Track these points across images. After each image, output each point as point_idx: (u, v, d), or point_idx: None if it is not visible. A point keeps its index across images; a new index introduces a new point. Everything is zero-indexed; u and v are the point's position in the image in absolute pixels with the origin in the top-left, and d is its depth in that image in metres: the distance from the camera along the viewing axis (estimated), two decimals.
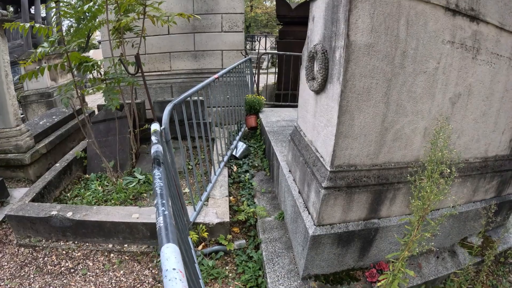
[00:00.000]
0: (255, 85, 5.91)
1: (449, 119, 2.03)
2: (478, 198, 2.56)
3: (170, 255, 0.91)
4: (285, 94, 6.37)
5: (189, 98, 2.67)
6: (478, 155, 2.42)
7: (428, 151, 1.70)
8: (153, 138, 1.82)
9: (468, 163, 2.35)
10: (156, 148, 1.67)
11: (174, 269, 0.85)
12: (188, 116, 2.75)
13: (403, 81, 1.77)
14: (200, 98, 3.10)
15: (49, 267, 2.62)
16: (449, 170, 1.58)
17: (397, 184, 1.97)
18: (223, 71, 3.77)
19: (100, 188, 3.55)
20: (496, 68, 2.04)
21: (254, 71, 5.98)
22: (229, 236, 2.75)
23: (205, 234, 2.65)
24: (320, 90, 1.96)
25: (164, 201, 1.22)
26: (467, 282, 2.46)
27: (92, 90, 4.90)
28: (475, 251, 2.54)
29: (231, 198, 3.23)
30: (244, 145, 4.09)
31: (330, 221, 2.00)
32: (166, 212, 1.14)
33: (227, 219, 2.74)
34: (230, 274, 2.49)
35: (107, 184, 3.63)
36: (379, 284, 1.92)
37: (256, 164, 3.95)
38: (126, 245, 2.79)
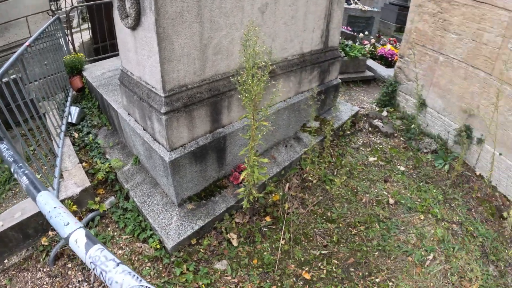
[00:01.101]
0: (70, 45, 6.20)
1: (261, 27, 3.01)
2: (305, 89, 3.83)
3: (47, 199, 1.11)
4: (103, 46, 6.87)
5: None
6: (295, 53, 3.58)
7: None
8: None
9: (287, 60, 3.49)
10: None
11: (55, 207, 1.04)
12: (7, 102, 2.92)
13: None
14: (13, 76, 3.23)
15: None
16: (263, 63, 2.50)
17: (228, 92, 2.91)
18: (31, 38, 3.91)
19: None
20: None
21: (66, 31, 6.23)
22: (97, 199, 3.31)
23: (75, 207, 3.13)
24: (136, 25, 2.58)
25: (20, 164, 1.56)
26: (316, 157, 3.84)
27: None
28: (315, 133, 3.92)
29: (83, 164, 3.70)
30: (78, 109, 4.50)
31: (180, 143, 2.84)
32: (26, 171, 1.47)
33: (88, 183, 3.25)
34: (115, 233, 3.11)
35: None
36: (241, 178, 2.97)
37: (96, 123, 4.45)
38: (6, 260, 2.97)
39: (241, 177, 2.98)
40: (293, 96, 3.72)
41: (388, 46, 8.10)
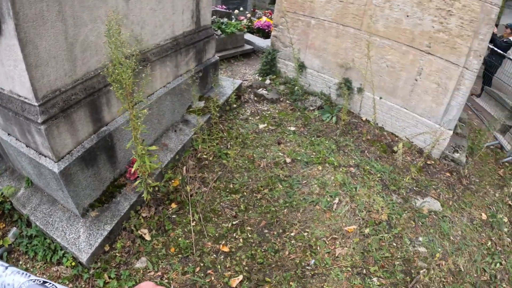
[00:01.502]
0: None
1: (127, 15, 3.23)
2: (183, 71, 4.16)
3: None
4: None
5: None
6: (167, 37, 3.87)
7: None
8: None
9: (160, 46, 3.76)
10: None
11: None
12: None
13: None
14: None
15: None
16: (129, 52, 2.75)
17: (104, 88, 3.10)
18: None
19: None
20: None
21: None
22: None
23: None
24: None
25: None
26: (207, 135, 4.20)
27: None
28: (201, 112, 4.31)
29: None
30: None
31: (66, 150, 2.95)
32: None
33: None
34: (28, 264, 3.13)
35: None
36: (133, 171, 3.22)
37: None
38: None
39: (133, 170, 3.23)
40: (173, 80, 4.02)
41: (264, 19, 8.85)
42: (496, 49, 8.63)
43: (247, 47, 7.63)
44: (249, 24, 8.62)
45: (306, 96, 5.39)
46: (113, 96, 3.21)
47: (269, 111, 5.08)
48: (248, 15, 9.15)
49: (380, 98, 4.97)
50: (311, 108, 5.14)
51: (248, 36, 8.04)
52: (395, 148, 4.50)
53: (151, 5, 3.45)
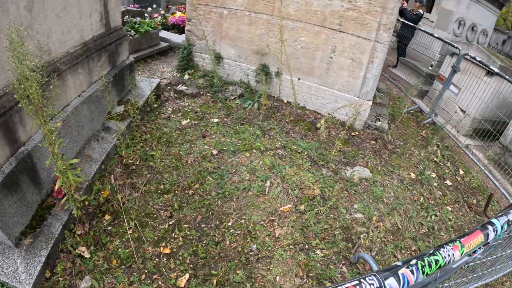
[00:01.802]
0: None
1: (32, 25, 3.18)
2: (97, 77, 4.17)
3: None
4: None
5: None
6: (76, 43, 3.86)
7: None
8: None
9: (70, 54, 3.74)
10: None
11: None
12: None
13: None
14: None
15: None
16: (34, 63, 2.72)
17: (15, 106, 3.07)
18: None
19: None
20: None
21: None
22: None
23: None
24: None
25: None
26: (131, 140, 4.24)
27: None
28: (121, 117, 4.33)
29: None
30: None
31: None
32: None
33: None
34: None
35: None
36: (56, 186, 3.19)
37: None
38: None
39: (57, 187, 3.22)
40: (88, 88, 4.02)
41: (178, 14, 8.89)
42: (407, 22, 9.31)
43: (163, 44, 7.66)
44: (164, 21, 8.62)
45: (226, 86, 5.58)
46: (25, 113, 3.17)
47: (191, 106, 5.21)
48: (162, 12, 9.15)
49: (299, 79, 5.27)
50: (232, 97, 5.34)
51: (163, 34, 8.06)
52: (318, 125, 4.80)
53: (56, 11, 3.44)
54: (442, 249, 1.29)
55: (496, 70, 6.27)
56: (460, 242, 1.38)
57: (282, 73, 5.35)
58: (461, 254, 1.37)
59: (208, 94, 5.50)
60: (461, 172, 5.70)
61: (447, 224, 4.41)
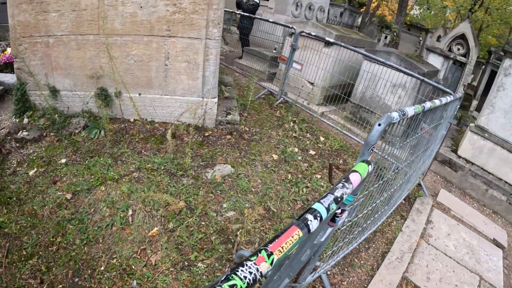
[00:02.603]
0: None
1: None
2: None
3: None
4: None
5: None
6: None
7: None
8: None
9: None
10: None
11: None
12: None
13: None
14: None
15: None
16: None
17: None
18: None
19: None
20: None
21: None
22: None
23: None
24: None
25: None
26: None
27: None
28: None
29: None
30: None
31: None
32: None
33: None
34: None
35: None
36: None
37: None
38: None
39: None
40: None
41: (9, 50, 7.85)
42: (245, 13, 9.60)
43: None
44: None
45: (69, 120, 5.17)
46: None
47: (36, 152, 4.74)
48: None
49: (140, 94, 5.09)
50: (77, 131, 4.97)
51: None
52: (167, 136, 4.64)
53: None
54: (240, 269, 1.17)
55: (331, 40, 6.72)
56: (267, 251, 1.29)
57: (122, 93, 5.09)
58: (271, 263, 1.27)
59: (51, 134, 5.02)
60: (322, 139, 6.02)
61: (320, 191, 4.61)
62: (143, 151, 4.66)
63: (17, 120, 5.53)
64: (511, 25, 31.18)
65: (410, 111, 2.77)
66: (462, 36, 14.69)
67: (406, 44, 28.72)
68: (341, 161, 5.50)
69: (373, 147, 2.26)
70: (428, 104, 3.32)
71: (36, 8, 4.86)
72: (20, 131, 5.10)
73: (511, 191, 6.60)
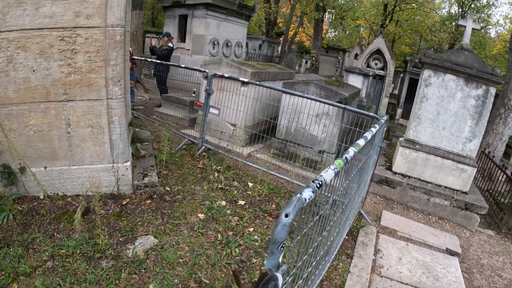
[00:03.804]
0: None
1: None
2: None
3: None
4: None
5: None
6: None
7: None
8: None
9: None
10: None
11: None
12: None
13: None
14: None
15: None
16: None
17: None
18: None
19: None
20: None
21: None
22: None
23: None
24: None
25: None
26: None
27: None
28: None
29: None
30: None
31: None
32: None
33: None
34: None
35: None
36: None
37: None
38: None
39: None
40: None
41: None
42: (159, 61, 9.19)
43: None
44: None
45: None
46: None
47: None
48: None
49: (45, 167, 4.50)
50: None
51: None
52: (76, 216, 4.06)
53: None
54: None
55: (246, 80, 6.51)
56: None
57: (25, 168, 4.46)
58: None
59: None
60: (250, 185, 5.68)
61: (255, 247, 4.23)
62: (55, 233, 4.00)
63: None
64: (421, 33, 33.69)
65: (329, 175, 2.43)
66: (378, 51, 15.39)
67: (326, 66, 29.81)
68: (273, 206, 5.19)
69: (283, 244, 1.90)
70: (351, 153, 3.03)
71: None
72: None
73: (452, 194, 6.65)
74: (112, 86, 4.34)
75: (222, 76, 6.64)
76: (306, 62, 28.81)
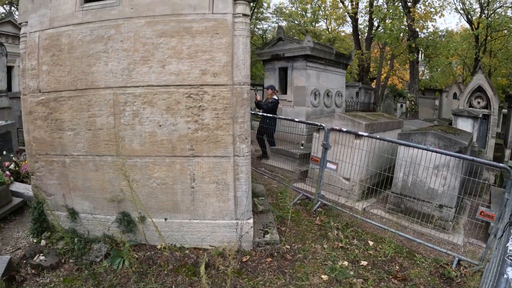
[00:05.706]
0: None
1: None
2: None
3: None
4: None
5: None
6: None
7: None
8: None
9: None
10: None
11: None
12: None
13: None
14: None
15: None
16: None
17: None
18: None
19: None
20: None
21: None
22: None
23: None
24: None
25: None
26: None
27: None
28: None
29: None
30: None
31: None
32: None
33: None
34: None
35: None
36: None
37: None
38: None
39: None
40: None
41: None
42: (266, 114, 9.10)
43: (17, 200, 6.12)
44: (17, 169, 7.08)
45: (89, 246, 4.58)
46: None
47: (53, 282, 4.09)
48: (14, 159, 7.56)
49: (166, 219, 4.59)
50: (98, 259, 4.36)
51: (16, 186, 6.41)
52: (200, 270, 4.01)
53: None
54: None
55: (365, 134, 6.31)
56: None
57: (145, 218, 4.58)
58: None
59: (71, 260, 4.40)
60: (371, 243, 5.33)
61: None
62: (173, 286, 4.05)
63: (35, 240, 4.99)
64: None
65: None
66: (479, 89, 14.34)
67: (424, 108, 28.30)
68: (397, 268, 4.78)
69: None
70: None
71: (51, 125, 4.52)
72: (37, 255, 4.52)
73: None
74: (239, 143, 4.36)
75: (340, 130, 6.48)
76: (401, 106, 27.77)
